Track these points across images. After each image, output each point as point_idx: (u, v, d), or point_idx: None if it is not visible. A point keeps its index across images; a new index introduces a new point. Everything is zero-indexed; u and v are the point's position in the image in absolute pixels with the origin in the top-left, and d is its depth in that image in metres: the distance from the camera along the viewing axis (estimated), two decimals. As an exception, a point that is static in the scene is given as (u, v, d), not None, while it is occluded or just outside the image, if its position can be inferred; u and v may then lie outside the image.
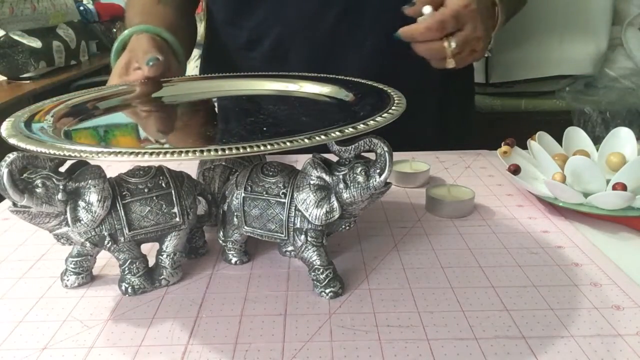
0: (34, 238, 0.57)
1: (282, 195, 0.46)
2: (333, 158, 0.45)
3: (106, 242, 0.44)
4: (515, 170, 0.63)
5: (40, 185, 0.41)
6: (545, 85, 1.37)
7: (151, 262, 0.48)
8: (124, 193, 0.44)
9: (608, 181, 0.57)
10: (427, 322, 0.42)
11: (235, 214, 0.48)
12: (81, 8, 2.37)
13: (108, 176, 0.44)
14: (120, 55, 0.75)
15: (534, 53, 1.32)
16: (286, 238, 0.46)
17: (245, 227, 0.48)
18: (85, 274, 0.48)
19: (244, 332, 0.41)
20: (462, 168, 0.75)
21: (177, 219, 0.46)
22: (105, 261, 0.51)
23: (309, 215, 0.44)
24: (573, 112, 1.31)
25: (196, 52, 2.27)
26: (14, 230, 0.60)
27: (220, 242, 0.51)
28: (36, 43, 1.86)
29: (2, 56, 1.77)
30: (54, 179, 0.42)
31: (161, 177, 0.46)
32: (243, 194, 0.47)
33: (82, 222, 0.43)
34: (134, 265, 0.46)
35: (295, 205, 0.45)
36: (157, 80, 0.66)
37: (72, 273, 0.47)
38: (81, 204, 0.43)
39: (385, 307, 0.44)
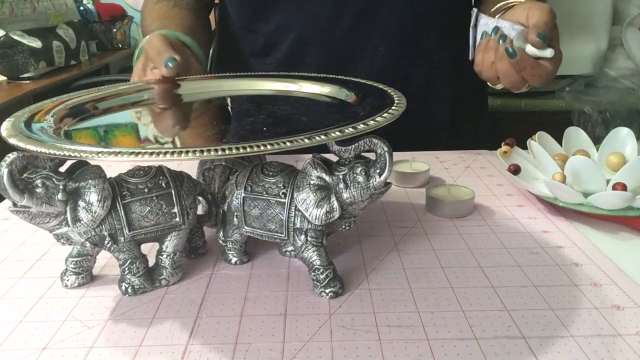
0: (34, 238, 0.57)
1: (282, 195, 0.46)
2: (333, 158, 0.45)
3: (106, 242, 0.44)
4: (515, 170, 0.63)
5: (40, 185, 0.41)
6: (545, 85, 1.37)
7: (151, 262, 0.48)
8: (124, 193, 0.44)
9: (608, 181, 0.57)
10: (427, 322, 0.42)
11: (235, 214, 0.48)
12: (81, 8, 2.37)
13: (108, 176, 0.44)
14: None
15: (534, 53, 1.32)
16: (286, 238, 0.46)
17: (245, 227, 0.48)
18: (85, 274, 0.48)
19: (244, 332, 0.41)
20: (462, 168, 0.75)
21: (177, 219, 0.46)
22: (105, 261, 0.51)
23: (309, 215, 0.44)
24: (573, 112, 1.31)
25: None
26: (14, 230, 0.60)
27: (220, 242, 0.51)
28: (36, 43, 1.86)
29: (2, 56, 1.77)
30: (54, 179, 0.42)
31: (161, 177, 0.46)
32: (243, 194, 0.47)
33: (82, 222, 0.43)
34: (134, 265, 0.46)
35: (295, 205, 0.45)
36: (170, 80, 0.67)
37: (72, 273, 0.47)
38: (81, 204, 0.43)
39: (385, 307, 0.44)
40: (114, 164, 0.69)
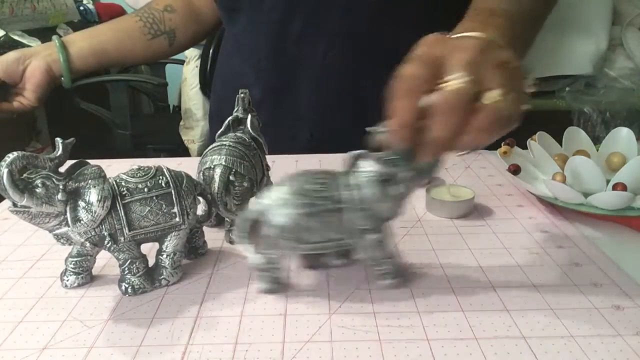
0: (34, 238, 0.57)
1: (342, 201, 0.43)
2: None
3: (106, 242, 0.44)
4: (515, 170, 0.63)
5: (40, 185, 0.41)
6: (545, 85, 1.37)
7: (151, 262, 0.48)
8: (124, 193, 0.44)
9: (608, 181, 0.57)
10: (427, 322, 0.42)
11: (285, 235, 0.43)
12: (81, 8, 2.37)
13: (108, 176, 0.44)
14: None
15: (534, 53, 1.32)
16: (353, 242, 0.44)
17: (301, 246, 0.44)
18: (85, 274, 0.48)
19: (244, 332, 0.41)
20: (462, 168, 0.75)
21: (177, 219, 0.46)
22: (105, 261, 0.51)
23: (377, 211, 0.43)
24: (573, 112, 1.31)
25: (196, 52, 2.28)
26: (14, 230, 0.60)
27: (255, 268, 0.46)
28: (36, 43, 1.86)
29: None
30: (54, 179, 0.42)
31: (161, 177, 0.46)
32: (296, 211, 0.43)
33: (82, 222, 0.43)
34: (134, 265, 0.46)
35: (359, 206, 0.43)
36: None
37: (72, 273, 0.47)
38: (81, 204, 0.43)
39: (385, 307, 0.44)
40: (114, 164, 0.69)
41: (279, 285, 0.46)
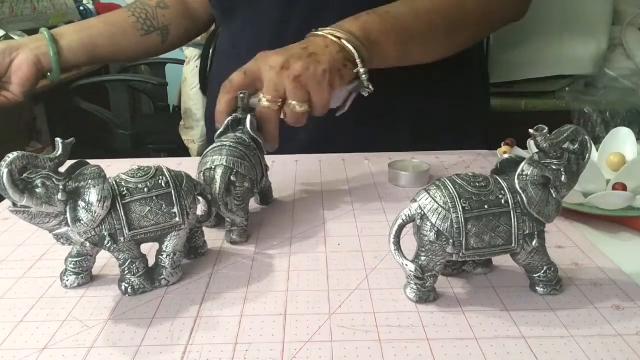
0: (34, 238, 0.57)
1: (506, 204, 0.42)
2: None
3: (106, 242, 0.44)
4: (516, 170, 0.63)
5: (40, 185, 0.41)
6: (545, 85, 1.37)
7: (151, 262, 0.48)
8: (124, 193, 0.44)
9: (608, 181, 0.57)
10: (427, 322, 0.42)
11: (451, 240, 0.42)
12: (81, 8, 2.37)
13: (108, 176, 0.44)
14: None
15: (534, 53, 1.32)
16: (515, 247, 0.43)
17: (464, 252, 0.42)
18: (84, 274, 0.48)
19: (244, 332, 0.41)
20: (462, 168, 0.75)
21: (177, 219, 0.46)
22: (105, 261, 0.51)
23: (542, 215, 0.43)
24: (573, 112, 1.31)
25: (196, 52, 2.28)
26: (14, 230, 0.60)
27: (410, 277, 0.45)
28: (36, 43, 1.87)
29: (2, 56, 1.77)
30: (54, 179, 0.42)
31: (161, 177, 0.46)
32: (463, 215, 0.42)
33: (82, 222, 0.43)
34: (134, 265, 0.46)
35: (522, 211, 0.43)
36: None
37: (71, 273, 0.47)
38: (81, 204, 0.43)
39: (385, 307, 0.44)
40: (114, 164, 0.69)
41: (431, 294, 0.44)
